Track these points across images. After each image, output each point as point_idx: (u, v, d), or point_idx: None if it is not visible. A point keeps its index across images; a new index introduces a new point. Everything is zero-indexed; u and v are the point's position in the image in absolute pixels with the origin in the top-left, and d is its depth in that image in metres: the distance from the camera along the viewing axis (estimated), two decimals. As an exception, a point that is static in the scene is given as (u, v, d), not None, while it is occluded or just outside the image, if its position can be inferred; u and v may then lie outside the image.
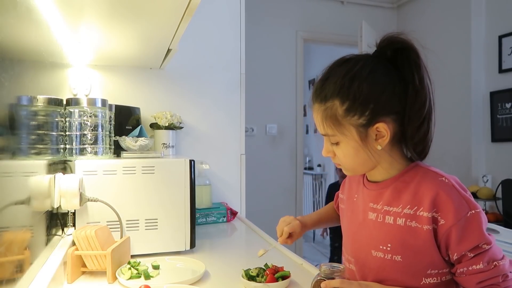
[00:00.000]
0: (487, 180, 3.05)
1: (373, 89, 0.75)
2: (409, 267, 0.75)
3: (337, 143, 0.79)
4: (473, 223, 0.71)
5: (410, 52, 0.78)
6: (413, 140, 0.78)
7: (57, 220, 1.12)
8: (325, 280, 0.76)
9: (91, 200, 1.09)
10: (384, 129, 0.75)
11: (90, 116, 1.14)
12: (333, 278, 0.76)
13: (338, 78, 0.77)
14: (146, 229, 1.17)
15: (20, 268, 0.72)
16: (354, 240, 0.86)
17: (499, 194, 2.74)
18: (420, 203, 0.74)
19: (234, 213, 1.72)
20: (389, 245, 0.77)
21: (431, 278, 0.74)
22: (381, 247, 0.78)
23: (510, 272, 0.71)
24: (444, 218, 0.71)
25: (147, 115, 1.70)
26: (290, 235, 0.99)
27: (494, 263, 0.70)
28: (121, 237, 1.12)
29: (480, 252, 0.70)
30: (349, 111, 0.75)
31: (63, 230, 1.15)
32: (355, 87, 0.75)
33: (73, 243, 1.02)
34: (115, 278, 0.98)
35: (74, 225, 1.12)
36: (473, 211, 0.71)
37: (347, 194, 0.94)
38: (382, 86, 0.75)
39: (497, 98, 3.04)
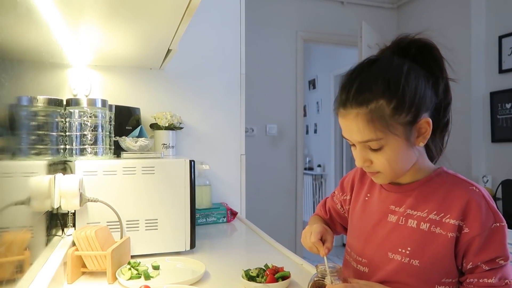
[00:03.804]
0: (487, 181, 3.05)
1: (417, 85, 0.73)
2: (425, 273, 0.74)
3: (379, 148, 0.74)
4: (496, 236, 0.71)
5: (433, 49, 0.80)
6: (442, 133, 0.81)
7: (57, 220, 1.11)
8: (322, 280, 0.76)
9: (91, 201, 1.09)
10: (427, 124, 0.75)
11: (90, 117, 1.14)
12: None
13: (378, 77, 0.73)
14: (146, 230, 1.17)
15: (20, 269, 0.72)
16: (368, 241, 0.85)
17: (499, 194, 2.74)
18: (448, 210, 0.74)
19: (234, 214, 1.72)
20: (408, 248, 0.76)
21: (443, 287, 0.74)
22: (400, 250, 0.77)
23: None
24: (469, 227, 0.71)
25: (147, 115, 1.70)
26: (321, 240, 0.84)
27: (506, 281, 0.70)
28: (121, 237, 1.12)
29: (496, 267, 0.70)
30: (397, 110, 0.72)
31: (63, 230, 1.15)
32: (401, 84, 0.72)
33: (73, 244, 1.02)
34: (115, 279, 0.98)
35: (74, 226, 1.12)
36: (498, 224, 0.71)
37: (355, 193, 0.93)
38: (422, 82, 0.75)
39: (497, 98, 3.04)
